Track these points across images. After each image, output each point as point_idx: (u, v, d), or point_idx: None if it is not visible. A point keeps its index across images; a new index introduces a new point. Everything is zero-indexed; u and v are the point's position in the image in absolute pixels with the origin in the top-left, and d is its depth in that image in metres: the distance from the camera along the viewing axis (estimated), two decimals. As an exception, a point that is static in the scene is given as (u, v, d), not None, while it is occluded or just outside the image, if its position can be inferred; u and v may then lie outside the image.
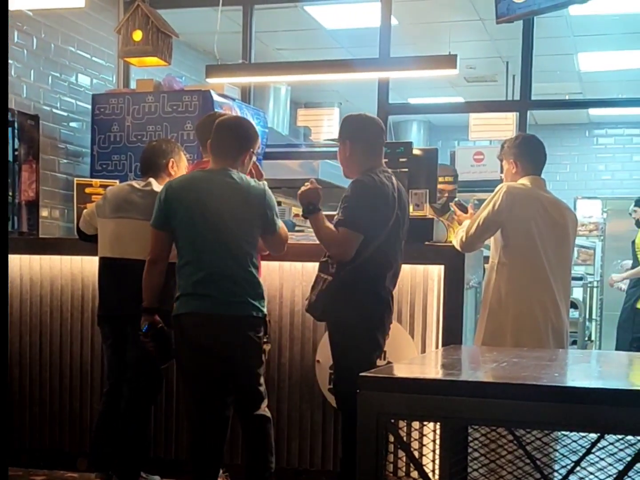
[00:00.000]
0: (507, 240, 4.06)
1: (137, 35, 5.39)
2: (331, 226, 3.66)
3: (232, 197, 3.69)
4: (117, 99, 6.20)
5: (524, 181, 4.19)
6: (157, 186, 4.28)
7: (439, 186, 5.05)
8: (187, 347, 3.71)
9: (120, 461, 4.22)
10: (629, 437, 2.35)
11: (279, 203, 5.94)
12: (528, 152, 4.26)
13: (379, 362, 3.87)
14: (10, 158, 5.41)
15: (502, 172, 4.43)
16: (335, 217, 3.69)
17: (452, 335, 4.21)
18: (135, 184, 4.41)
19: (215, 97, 5.99)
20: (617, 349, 7.76)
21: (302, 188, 3.76)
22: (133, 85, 6.99)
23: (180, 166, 4.46)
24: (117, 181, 5.21)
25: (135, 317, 4.12)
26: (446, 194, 4.97)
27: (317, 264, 3.86)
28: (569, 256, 4.29)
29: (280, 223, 3.88)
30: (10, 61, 6.13)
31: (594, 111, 12.59)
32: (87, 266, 4.84)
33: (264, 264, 4.26)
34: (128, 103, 6.02)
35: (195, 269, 3.66)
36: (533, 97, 6.76)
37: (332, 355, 3.83)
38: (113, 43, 6.71)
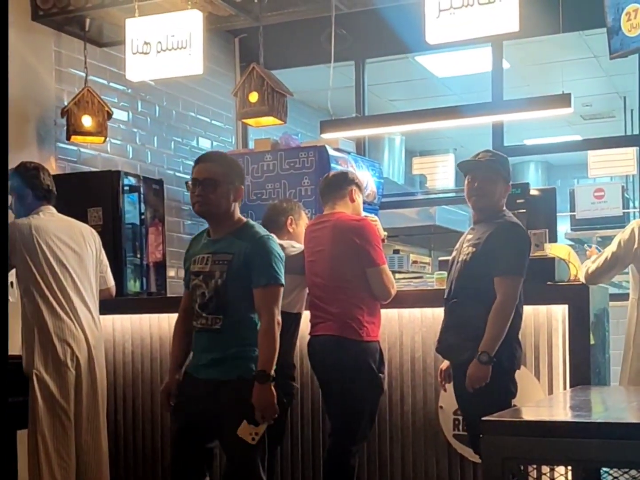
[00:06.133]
0: (642, 276, 3.96)
1: (253, 97, 5.54)
2: None
3: None
4: (236, 159, 6.37)
5: None
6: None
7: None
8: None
9: None
10: None
11: (397, 251, 5.95)
12: None
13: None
14: (137, 222, 5.61)
15: None
16: (499, 265, 3.68)
17: (580, 375, 4.11)
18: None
19: (331, 152, 6.08)
20: None
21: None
22: (251, 145, 7.19)
23: (300, 224, 4.57)
24: (239, 240, 5.34)
25: None
26: None
27: (435, 310, 3.85)
28: None
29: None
30: (134, 129, 6.43)
31: None
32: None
33: (383, 312, 4.25)
34: (247, 163, 6.18)
35: None
36: (653, 131, 6.61)
37: (463, 400, 3.78)
38: (231, 106, 6.93)
